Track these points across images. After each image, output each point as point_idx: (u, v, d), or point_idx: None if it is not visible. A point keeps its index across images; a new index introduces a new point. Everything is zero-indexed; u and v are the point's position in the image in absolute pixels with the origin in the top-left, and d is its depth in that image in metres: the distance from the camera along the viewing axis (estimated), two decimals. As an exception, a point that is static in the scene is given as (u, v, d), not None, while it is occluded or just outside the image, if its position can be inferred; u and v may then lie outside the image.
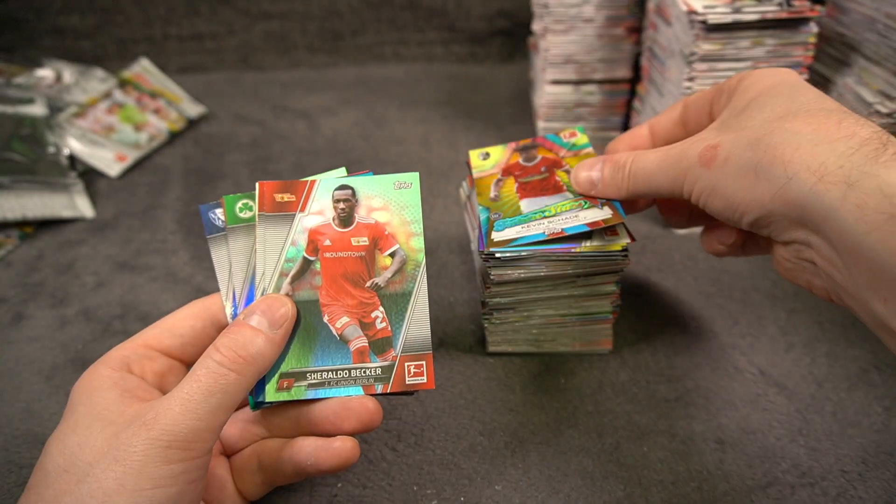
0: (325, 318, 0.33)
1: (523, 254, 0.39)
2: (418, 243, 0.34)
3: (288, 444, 0.32)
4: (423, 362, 0.33)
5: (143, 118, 0.74)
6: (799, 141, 0.29)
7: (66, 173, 0.63)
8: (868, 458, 0.38)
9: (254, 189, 0.34)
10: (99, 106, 0.73)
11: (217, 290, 0.34)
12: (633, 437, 0.39)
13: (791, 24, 0.50)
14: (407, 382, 0.33)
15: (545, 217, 0.40)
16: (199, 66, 0.93)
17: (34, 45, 0.89)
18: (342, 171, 0.36)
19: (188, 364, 0.33)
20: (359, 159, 0.70)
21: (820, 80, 0.55)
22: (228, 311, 0.33)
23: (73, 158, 0.66)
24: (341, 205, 0.34)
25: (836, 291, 0.30)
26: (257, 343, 0.30)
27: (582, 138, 0.46)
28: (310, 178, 0.35)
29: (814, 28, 0.50)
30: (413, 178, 0.35)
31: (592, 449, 0.39)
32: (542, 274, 0.40)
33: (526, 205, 0.41)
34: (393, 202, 0.35)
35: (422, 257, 0.34)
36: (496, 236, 0.40)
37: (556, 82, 0.67)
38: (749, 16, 0.49)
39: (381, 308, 0.33)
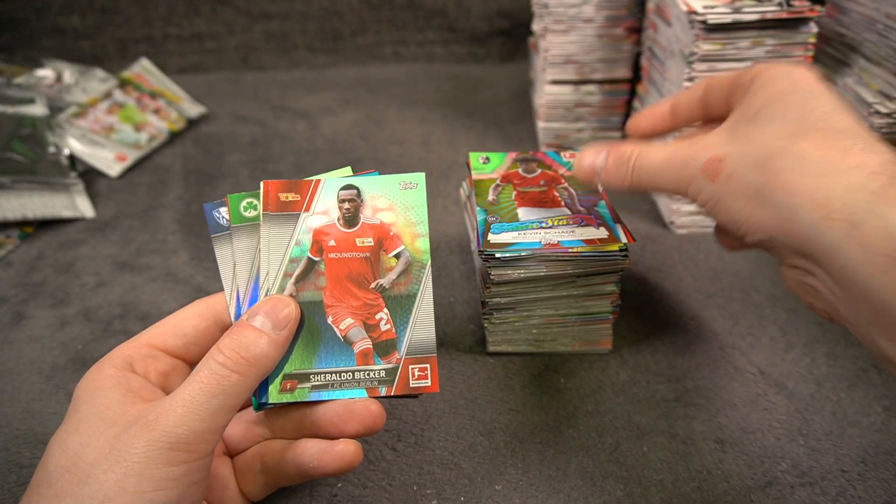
0: (330, 320, 0.33)
1: (523, 254, 0.39)
2: (424, 244, 0.34)
3: (291, 446, 0.32)
4: (428, 365, 0.33)
5: (143, 118, 0.74)
6: (805, 168, 0.27)
7: (66, 173, 0.63)
8: (868, 458, 0.38)
9: (255, 188, 0.34)
10: (99, 106, 0.73)
11: (220, 289, 0.33)
12: (633, 436, 0.39)
13: (791, 24, 0.50)
14: (411, 385, 0.32)
15: (542, 228, 0.40)
16: (199, 66, 0.93)
17: (34, 45, 0.89)
18: (348, 170, 0.35)
19: (192, 364, 0.33)
20: (359, 159, 0.70)
21: (820, 81, 0.55)
22: (232, 310, 0.33)
23: (73, 158, 0.66)
24: (346, 205, 0.34)
25: (838, 318, 0.29)
26: (260, 344, 0.29)
27: None
28: (315, 178, 0.35)
29: (813, 28, 0.50)
30: (419, 178, 0.34)
31: (592, 449, 0.39)
32: (542, 274, 0.40)
33: (524, 213, 0.42)
34: (398, 203, 0.34)
35: (427, 259, 0.34)
36: (493, 238, 0.40)
37: (556, 82, 0.67)
38: (749, 16, 0.49)
39: (385, 310, 0.33)
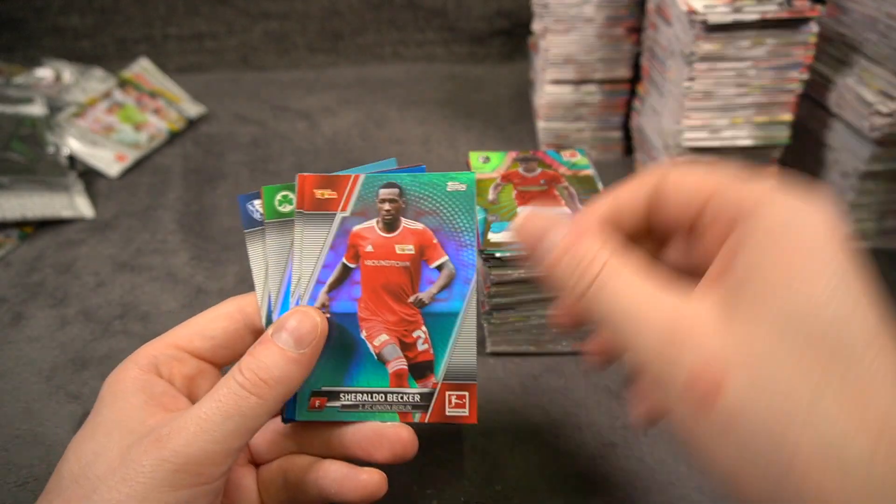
0: (363, 335, 0.30)
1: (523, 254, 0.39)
2: (470, 257, 0.30)
3: (314, 466, 0.30)
4: (466, 393, 0.30)
5: (143, 118, 0.74)
6: (827, 452, 0.20)
7: (65, 173, 0.63)
8: (868, 458, 0.38)
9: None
10: (99, 106, 0.73)
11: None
12: (634, 437, 0.39)
13: (791, 24, 0.50)
14: (447, 414, 0.30)
15: None
16: (198, 66, 0.93)
17: (34, 45, 0.89)
18: (391, 162, 0.32)
19: (219, 366, 0.32)
20: (359, 159, 0.70)
21: (820, 80, 0.55)
22: (263, 315, 0.31)
23: (72, 158, 0.66)
24: (387, 205, 0.31)
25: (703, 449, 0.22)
26: (280, 365, 0.27)
27: (582, 160, 0.47)
28: (353, 172, 0.31)
29: (814, 28, 0.50)
30: (469, 178, 0.30)
31: (592, 449, 0.39)
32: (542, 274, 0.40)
33: None
34: (444, 206, 0.30)
35: (472, 273, 0.30)
36: (492, 237, 0.40)
37: (556, 82, 0.67)
38: (749, 16, 0.49)
39: (423, 327, 0.30)
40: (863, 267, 0.23)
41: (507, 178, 0.46)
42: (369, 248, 0.31)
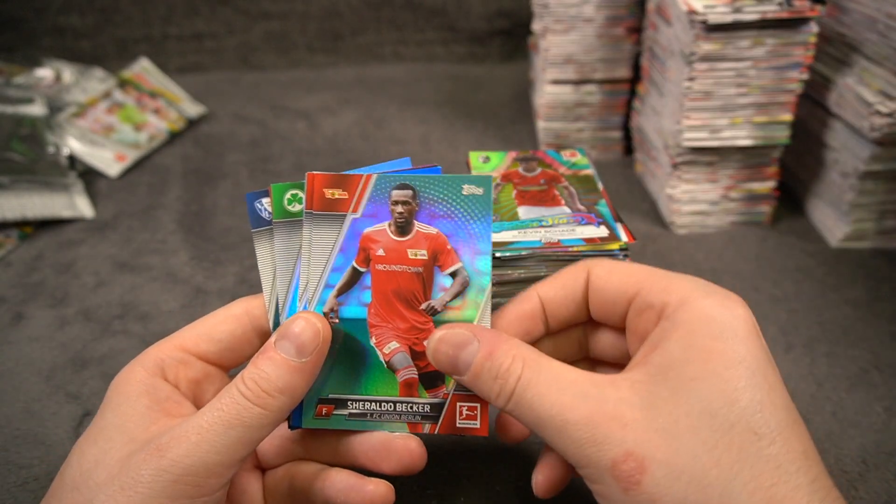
0: (373, 342, 0.30)
1: (523, 252, 0.39)
2: (485, 264, 0.29)
3: (321, 474, 0.30)
4: (478, 405, 0.29)
5: (143, 118, 0.74)
6: None
7: (65, 173, 0.63)
8: (868, 458, 0.38)
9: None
10: (99, 106, 0.73)
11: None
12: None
13: (791, 23, 0.50)
14: (457, 426, 0.29)
15: (542, 227, 0.40)
16: (198, 66, 0.93)
17: (34, 45, 0.89)
18: (406, 161, 0.31)
19: (226, 369, 0.32)
20: (359, 159, 0.70)
21: (820, 80, 0.55)
22: (271, 319, 0.30)
23: (72, 158, 0.66)
24: (399, 208, 0.30)
25: None
26: (282, 375, 0.27)
27: (582, 159, 0.47)
28: (365, 172, 0.30)
29: (814, 28, 0.50)
30: (485, 182, 0.29)
31: (592, 449, 0.39)
32: (543, 274, 0.40)
33: (524, 212, 0.42)
34: (460, 210, 0.30)
35: (488, 282, 0.29)
36: (493, 237, 0.40)
37: (556, 82, 0.67)
38: (749, 16, 0.49)
39: None
40: (772, 361, 0.25)
41: (507, 177, 0.46)
42: (380, 252, 0.30)
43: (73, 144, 0.67)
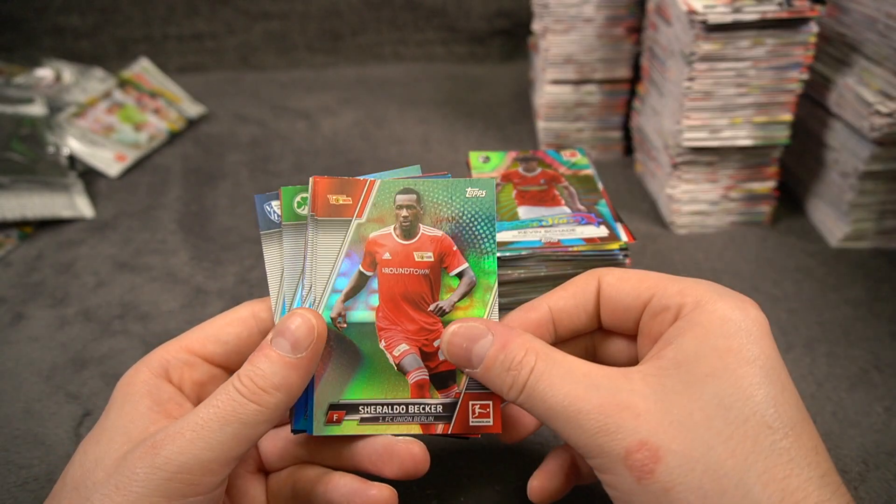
0: (382, 345, 0.30)
1: (523, 252, 0.39)
2: (491, 264, 0.30)
3: (324, 478, 0.30)
4: (490, 402, 0.29)
5: (143, 118, 0.74)
6: None
7: (65, 173, 0.63)
8: (868, 458, 0.38)
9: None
10: (99, 106, 0.73)
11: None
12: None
13: (791, 23, 0.50)
14: (470, 424, 0.29)
15: (542, 227, 0.40)
16: (198, 66, 0.93)
17: (34, 45, 0.89)
18: (415, 169, 0.31)
19: (232, 372, 0.31)
20: (359, 159, 0.70)
21: (820, 80, 0.55)
22: (277, 320, 0.30)
23: (72, 158, 0.66)
24: (404, 212, 0.30)
25: None
26: (278, 372, 0.26)
27: (582, 159, 0.47)
28: (369, 178, 0.30)
29: (814, 28, 0.50)
30: (488, 185, 0.30)
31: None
32: (543, 274, 0.40)
33: (524, 212, 0.42)
34: (464, 213, 0.30)
35: (494, 280, 0.30)
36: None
37: (556, 82, 0.67)
38: (749, 16, 0.49)
39: None
40: (783, 362, 0.26)
41: (507, 177, 0.46)
42: (387, 256, 0.30)
43: (73, 144, 0.67)
